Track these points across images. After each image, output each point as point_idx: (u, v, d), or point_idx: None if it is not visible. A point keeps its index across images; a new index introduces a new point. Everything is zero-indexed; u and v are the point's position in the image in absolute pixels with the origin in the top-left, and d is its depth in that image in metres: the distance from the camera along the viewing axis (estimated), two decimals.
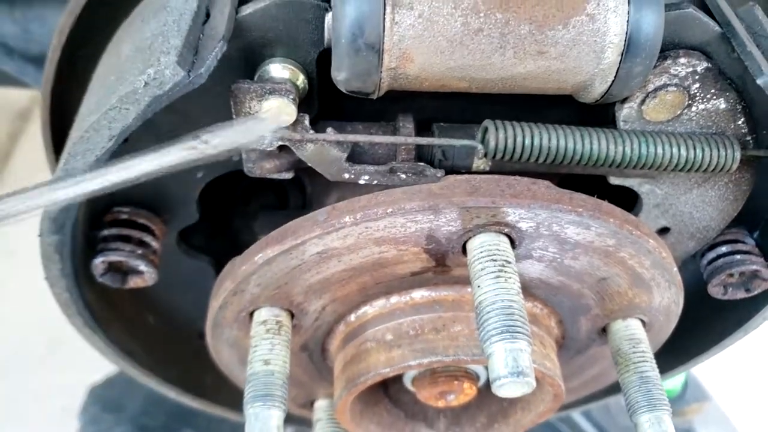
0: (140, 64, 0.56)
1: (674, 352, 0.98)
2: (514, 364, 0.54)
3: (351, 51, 0.55)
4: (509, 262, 0.60)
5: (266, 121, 0.58)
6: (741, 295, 0.85)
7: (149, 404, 1.81)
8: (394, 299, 0.71)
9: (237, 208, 0.94)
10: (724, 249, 0.84)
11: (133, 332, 0.93)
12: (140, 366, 0.95)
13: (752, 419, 2.03)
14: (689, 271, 0.92)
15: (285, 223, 0.89)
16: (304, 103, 0.66)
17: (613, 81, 0.59)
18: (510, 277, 0.59)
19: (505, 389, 0.54)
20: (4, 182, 2.78)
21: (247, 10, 0.60)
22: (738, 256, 0.83)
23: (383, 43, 0.55)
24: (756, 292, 0.84)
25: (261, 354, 0.68)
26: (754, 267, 0.82)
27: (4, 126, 2.85)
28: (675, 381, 1.87)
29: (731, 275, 0.84)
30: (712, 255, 0.85)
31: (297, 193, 0.93)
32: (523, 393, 0.55)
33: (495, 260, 0.60)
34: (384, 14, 0.54)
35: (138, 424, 1.78)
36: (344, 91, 0.61)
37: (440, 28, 0.55)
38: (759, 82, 0.59)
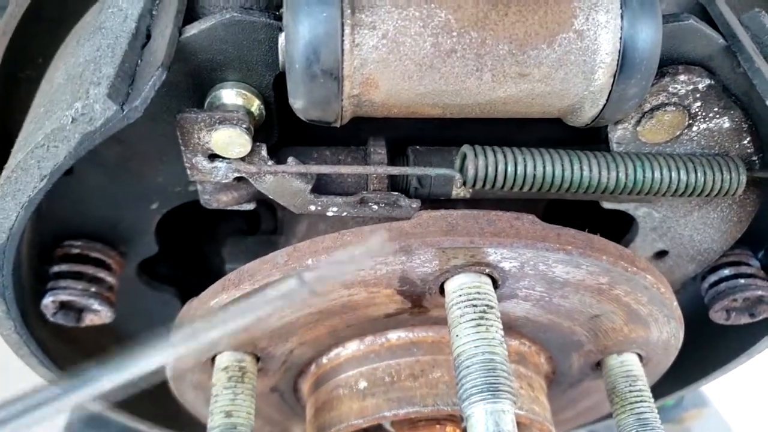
0: (68, 96, 0.49)
1: (675, 376, 0.92)
2: (496, 428, 0.48)
3: (306, 77, 0.49)
4: (491, 307, 0.54)
5: (371, 250, 0.52)
6: (745, 320, 0.79)
7: None
8: (369, 341, 0.65)
9: (204, 234, 0.88)
10: (726, 272, 0.78)
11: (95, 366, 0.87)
12: (107, 402, 0.89)
13: (751, 424, 1.99)
14: (689, 292, 0.86)
15: (255, 248, 0.83)
16: (261, 131, 0.59)
17: (605, 104, 0.53)
18: (491, 325, 0.53)
19: None
20: None
21: (191, 31, 0.53)
22: (742, 280, 0.77)
23: (342, 68, 0.48)
24: (761, 317, 0.78)
25: (222, 405, 0.62)
26: (760, 292, 0.76)
27: None
28: None
29: (735, 300, 0.78)
30: (714, 278, 0.79)
31: (268, 215, 0.87)
32: None
33: (475, 305, 0.54)
34: (342, 35, 0.47)
35: None
36: (304, 119, 0.54)
37: (408, 49, 0.48)
38: None
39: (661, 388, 0.96)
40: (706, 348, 0.90)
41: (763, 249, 0.80)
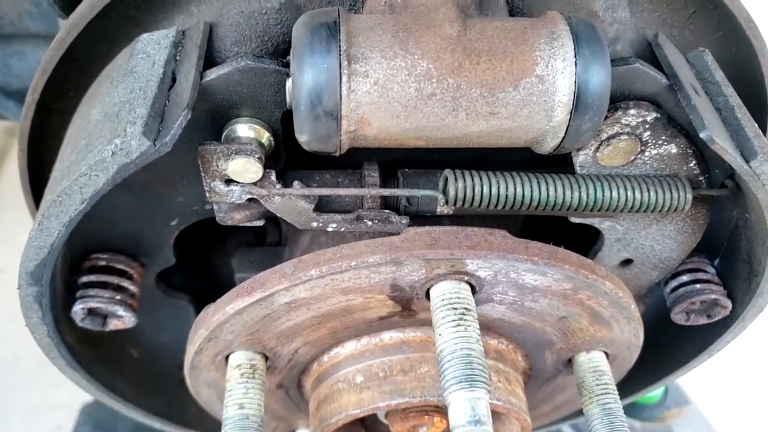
0: (108, 133, 0.58)
1: (644, 373, 1.01)
2: (472, 413, 0.57)
3: (310, 117, 0.58)
4: (469, 310, 0.63)
5: None
6: (703, 321, 0.88)
7: (140, 424, 1.83)
8: (365, 341, 0.74)
9: (215, 246, 0.96)
10: (685, 278, 0.87)
11: (116, 368, 0.96)
12: (124, 400, 0.97)
13: (731, 422, 2.07)
14: (656, 297, 0.95)
15: (261, 258, 0.92)
16: (271, 158, 0.68)
17: (564, 136, 0.62)
18: (469, 325, 0.62)
19: None
20: None
21: (211, 75, 0.62)
22: (698, 285, 0.86)
23: (341, 110, 0.57)
24: (717, 318, 0.87)
25: (236, 398, 0.71)
26: (714, 296, 0.85)
27: None
28: None
29: (693, 303, 0.87)
30: (674, 284, 0.88)
31: (274, 229, 0.96)
32: None
33: (455, 308, 0.63)
34: (340, 83, 0.56)
35: None
36: (308, 150, 0.63)
37: (395, 94, 0.57)
38: (702, 135, 0.61)
39: (634, 385, 1.05)
40: (671, 347, 0.98)
41: (718, 257, 0.88)
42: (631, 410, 1.88)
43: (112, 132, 0.57)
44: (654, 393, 1.90)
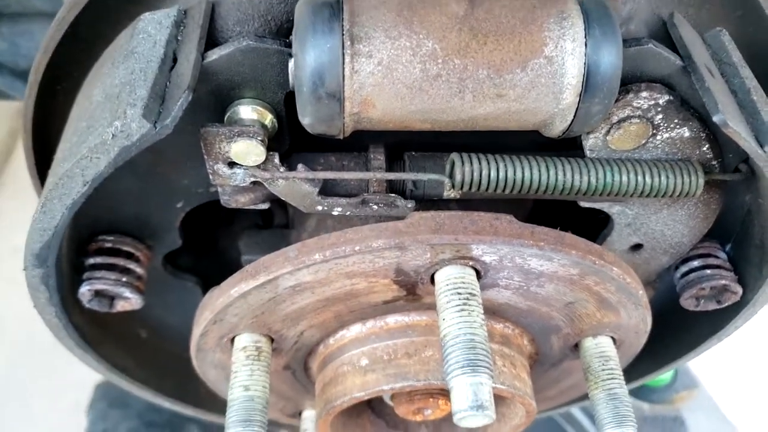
0: (108, 115, 0.57)
1: (653, 356, 1.01)
2: (474, 397, 0.57)
3: (313, 99, 0.57)
4: (474, 295, 0.62)
5: None
6: (713, 306, 0.87)
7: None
8: (370, 324, 0.74)
9: (222, 228, 0.96)
10: (695, 263, 0.86)
11: (125, 348, 0.97)
12: (133, 379, 0.98)
13: (738, 404, 2.06)
14: (666, 282, 0.94)
15: (268, 241, 0.92)
16: (274, 140, 0.68)
17: (573, 120, 0.60)
18: (473, 310, 0.61)
19: (466, 422, 0.57)
20: (5, 181, 2.80)
21: (212, 56, 0.61)
22: (709, 271, 0.85)
23: (344, 91, 0.56)
24: (727, 304, 0.86)
25: (241, 380, 0.71)
26: (724, 282, 0.84)
27: (3, 124, 2.85)
28: None
29: (703, 289, 0.86)
30: (684, 269, 0.87)
31: (281, 211, 0.95)
32: (484, 424, 0.58)
33: (460, 293, 0.62)
34: (343, 64, 0.55)
35: (145, 419, 1.83)
36: (311, 133, 0.63)
37: (399, 75, 0.56)
38: (715, 119, 0.60)
39: (642, 368, 1.04)
40: (681, 332, 0.97)
41: (730, 242, 0.87)
42: (640, 392, 1.89)
43: (112, 114, 0.57)
44: (663, 376, 1.90)
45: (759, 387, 2.24)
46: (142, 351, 1.00)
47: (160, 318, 0.98)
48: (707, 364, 1.97)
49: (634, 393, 1.97)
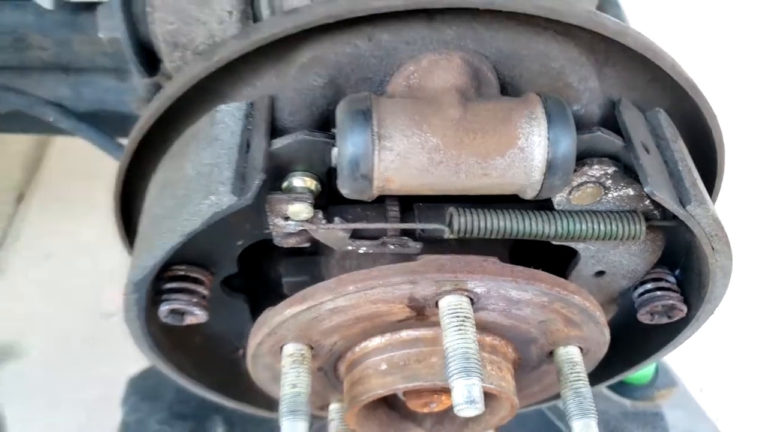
0: (203, 189, 0.79)
1: (622, 360, 1.21)
2: (468, 395, 0.78)
3: (350, 179, 0.78)
4: (468, 317, 0.84)
5: None
6: (664, 321, 1.06)
7: (182, 393, 2.04)
8: (388, 337, 0.95)
9: (266, 255, 1.18)
10: (649, 286, 1.04)
11: (183, 351, 1.17)
12: (188, 376, 1.19)
13: (715, 400, 2.25)
14: (628, 299, 1.15)
15: (303, 266, 1.13)
16: (318, 198, 0.89)
17: (540, 189, 0.82)
18: (468, 329, 0.82)
19: (462, 412, 0.78)
20: (34, 190, 2.99)
21: (276, 144, 0.82)
22: (659, 292, 1.03)
23: (373, 173, 0.78)
24: (676, 319, 1.07)
25: (290, 380, 0.92)
26: (672, 302, 1.03)
27: (31, 135, 3.02)
28: (647, 369, 2.08)
29: (656, 306, 1.05)
30: (640, 290, 1.05)
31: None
32: (476, 414, 0.79)
33: (458, 316, 0.83)
34: (373, 155, 0.77)
35: (174, 411, 2.00)
36: (346, 197, 0.84)
37: (412, 162, 0.78)
38: (645, 189, 0.81)
39: (615, 369, 1.24)
40: (640, 341, 1.18)
41: (678, 269, 1.07)
42: (622, 390, 2.05)
43: (207, 189, 0.78)
44: (645, 374, 2.09)
45: (737, 384, 2.43)
46: (196, 353, 1.20)
47: (213, 328, 1.19)
48: (684, 365, 2.16)
49: (617, 390, 2.16)
